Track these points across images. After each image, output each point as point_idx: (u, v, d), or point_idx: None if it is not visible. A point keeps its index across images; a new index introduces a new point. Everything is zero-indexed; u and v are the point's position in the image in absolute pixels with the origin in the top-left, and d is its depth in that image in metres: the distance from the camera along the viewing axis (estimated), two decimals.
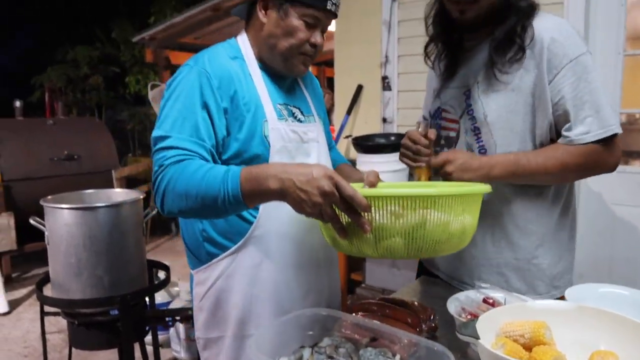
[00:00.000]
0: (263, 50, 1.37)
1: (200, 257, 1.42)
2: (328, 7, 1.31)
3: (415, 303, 1.28)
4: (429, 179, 1.46)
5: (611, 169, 1.39)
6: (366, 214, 1.02)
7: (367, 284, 3.46)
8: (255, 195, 1.08)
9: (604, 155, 1.36)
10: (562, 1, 3.05)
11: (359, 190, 1.01)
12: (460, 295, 1.30)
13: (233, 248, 1.36)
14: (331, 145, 1.69)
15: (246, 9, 1.43)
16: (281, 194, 1.04)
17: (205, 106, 1.26)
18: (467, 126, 1.47)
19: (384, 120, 3.83)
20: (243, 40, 1.41)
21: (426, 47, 1.61)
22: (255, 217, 1.35)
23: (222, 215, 1.21)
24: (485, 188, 1.18)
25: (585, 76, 1.32)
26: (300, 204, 1.02)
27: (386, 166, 3.12)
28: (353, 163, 3.43)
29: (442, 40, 1.54)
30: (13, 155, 4.86)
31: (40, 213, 2.20)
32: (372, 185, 1.21)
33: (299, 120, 1.44)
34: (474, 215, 1.17)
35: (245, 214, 1.35)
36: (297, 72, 1.40)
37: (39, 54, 12.56)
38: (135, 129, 9.90)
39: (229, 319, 1.40)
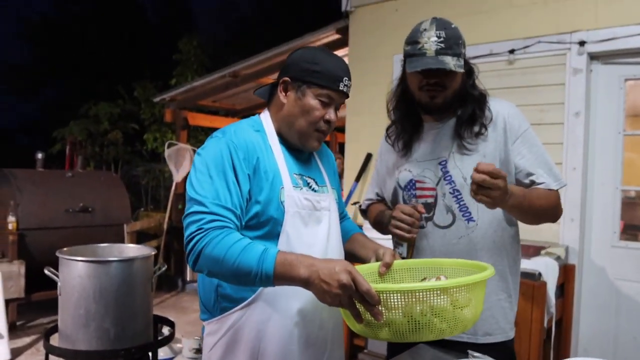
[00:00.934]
0: (282, 126, 1.53)
1: (213, 310, 1.50)
2: (340, 88, 1.47)
3: None
4: (414, 247, 1.71)
5: (558, 218, 1.73)
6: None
7: (369, 349, 3.45)
8: (285, 278, 1.23)
9: (559, 203, 1.71)
10: (563, 82, 3.20)
11: (372, 285, 1.14)
12: None
13: (245, 302, 1.44)
14: (344, 215, 1.81)
15: (268, 90, 1.60)
16: (307, 283, 1.20)
17: (235, 174, 1.40)
18: (444, 190, 1.72)
19: None
20: (265, 117, 1.57)
21: (388, 128, 1.90)
22: None
23: (247, 285, 1.35)
24: (489, 274, 1.24)
25: (535, 141, 1.71)
26: (322, 294, 1.18)
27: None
28: (360, 229, 3.51)
29: (404, 122, 1.80)
30: (30, 204, 4.99)
31: (51, 262, 2.28)
32: (388, 266, 1.47)
33: (313, 190, 1.56)
34: (479, 299, 1.26)
35: None
36: (311, 147, 1.54)
37: (63, 107, 13.05)
38: (150, 184, 10.10)
39: None
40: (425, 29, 1.62)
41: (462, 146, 1.70)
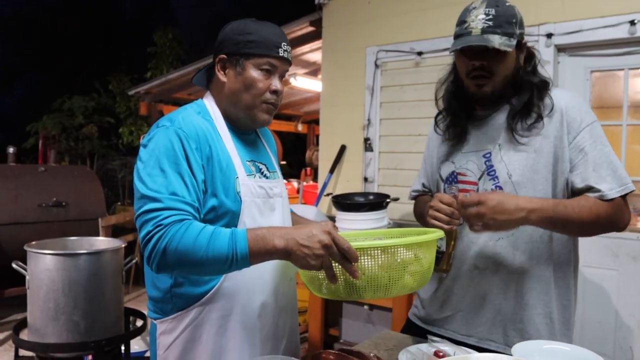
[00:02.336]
0: (227, 107, 1.46)
1: (166, 309, 1.44)
2: (280, 54, 1.41)
3: (372, 354, 1.36)
4: (456, 242, 1.55)
5: (625, 227, 1.51)
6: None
7: (343, 339, 3.49)
8: (261, 254, 1.19)
9: (624, 211, 1.49)
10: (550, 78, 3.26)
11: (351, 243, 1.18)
12: (412, 348, 1.38)
13: (203, 299, 1.40)
14: None
15: (205, 74, 1.53)
16: (286, 252, 1.18)
17: (189, 166, 1.31)
18: (486, 186, 1.57)
19: (365, 179, 3.98)
20: (209, 101, 1.49)
21: (436, 117, 1.76)
22: None
23: (220, 273, 1.31)
24: (438, 235, 1.33)
25: (601, 139, 1.49)
26: (304, 259, 1.16)
27: (364, 224, 3.23)
28: (333, 220, 3.54)
29: (456, 112, 1.66)
30: (2, 199, 4.91)
31: (24, 257, 2.27)
32: None
33: (265, 177, 1.52)
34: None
35: None
36: (262, 121, 1.47)
37: (37, 102, 12.83)
38: (126, 178, 10.00)
39: None
40: (474, 7, 1.50)
41: (512, 139, 1.53)
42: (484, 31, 1.45)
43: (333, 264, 1.18)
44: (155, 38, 10.50)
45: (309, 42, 4.68)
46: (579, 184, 1.49)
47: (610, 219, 1.46)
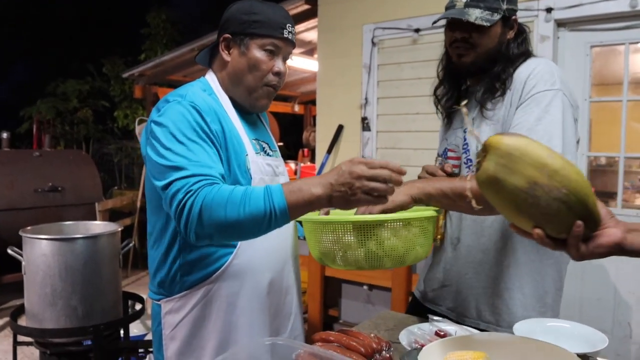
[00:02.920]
0: (229, 86, 1.45)
1: (171, 289, 1.43)
2: (285, 35, 1.40)
3: (372, 335, 1.35)
4: (445, 213, 1.60)
5: None
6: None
7: (343, 320, 3.50)
8: (300, 206, 1.13)
9: None
10: (531, 49, 3.21)
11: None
12: (414, 328, 1.37)
13: (212, 277, 1.39)
14: None
15: (208, 53, 1.51)
16: (327, 198, 1.11)
17: (207, 136, 1.29)
18: (464, 161, 1.59)
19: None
20: (212, 79, 1.47)
21: (435, 89, 1.73)
22: (234, 247, 1.39)
23: (259, 233, 1.19)
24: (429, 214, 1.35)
25: (548, 108, 1.39)
26: (348, 199, 1.10)
27: None
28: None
29: (448, 85, 1.67)
30: None
31: (20, 244, 2.25)
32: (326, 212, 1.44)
33: (269, 155, 1.52)
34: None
35: (224, 245, 1.39)
36: (261, 106, 1.47)
37: (31, 86, 12.71)
38: (122, 162, 9.96)
39: (206, 346, 1.41)
40: None
41: (480, 112, 1.54)
42: (467, 4, 1.46)
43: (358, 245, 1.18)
44: (149, 19, 10.35)
45: (305, 21, 4.61)
46: None
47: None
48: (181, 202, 1.17)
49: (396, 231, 1.28)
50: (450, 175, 1.54)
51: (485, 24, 1.44)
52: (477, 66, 1.53)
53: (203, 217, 1.14)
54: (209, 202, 1.14)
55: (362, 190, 1.08)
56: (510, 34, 1.54)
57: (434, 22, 1.57)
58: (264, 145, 1.52)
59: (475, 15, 1.44)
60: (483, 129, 1.52)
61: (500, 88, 1.49)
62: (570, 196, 0.91)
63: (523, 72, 1.47)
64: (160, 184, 1.24)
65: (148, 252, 1.49)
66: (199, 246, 1.38)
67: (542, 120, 1.39)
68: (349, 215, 1.39)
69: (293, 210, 1.13)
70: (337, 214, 1.44)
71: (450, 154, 1.66)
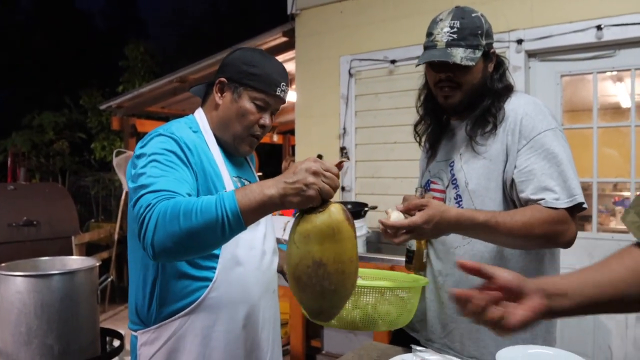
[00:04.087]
0: (217, 127, 1.49)
1: (148, 320, 1.43)
2: (277, 93, 1.46)
3: None
4: (427, 242, 1.61)
5: (568, 243, 1.43)
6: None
7: (326, 351, 3.45)
8: (253, 208, 1.10)
9: (566, 226, 1.40)
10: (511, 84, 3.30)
11: None
12: (397, 359, 1.36)
13: (187, 309, 1.39)
14: None
15: (204, 89, 1.57)
16: (280, 197, 1.09)
17: (183, 162, 1.32)
18: (451, 195, 1.58)
19: (343, 188, 3.97)
20: (200, 117, 1.52)
21: (415, 126, 1.74)
22: (210, 281, 1.40)
23: (217, 242, 1.16)
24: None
25: (552, 149, 1.43)
26: (301, 195, 1.07)
27: None
28: None
29: (430, 120, 1.69)
30: None
31: None
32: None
33: None
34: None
35: (201, 277, 1.39)
36: (243, 152, 1.53)
37: (6, 119, 12.54)
38: (100, 194, 9.82)
39: None
40: (440, 19, 1.52)
41: (471, 147, 1.54)
42: (449, 44, 1.47)
43: None
44: (127, 51, 10.37)
45: (283, 53, 4.67)
46: (526, 193, 1.44)
47: (548, 233, 1.39)
48: (141, 216, 1.16)
49: (392, 297, 1.35)
50: None
51: (470, 63, 1.45)
52: (464, 105, 1.54)
53: (158, 230, 1.12)
54: (163, 214, 1.12)
55: (316, 188, 1.07)
56: (491, 67, 1.56)
57: (417, 65, 1.55)
58: (246, 182, 1.54)
59: (460, 55, 1.45)
60: (473, 164, 1.53)
61: (492, 122, 1.50)
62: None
63: (514, 112, 1.49)
64: (131, 204, 1.24)
65: (130, 277, 1.49)
66: (175, 277, 1.38)
67: (552, 162, 1.42)
68: None
69: (246, 213, 1.10)
70: None
71: (433, 185, 1.67)
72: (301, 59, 4.20)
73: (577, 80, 3.37)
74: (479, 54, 1.47)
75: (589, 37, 3.04)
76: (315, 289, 1.07)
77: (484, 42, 1.49)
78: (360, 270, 1.66)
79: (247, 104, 1.44)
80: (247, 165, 1.65)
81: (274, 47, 4.70)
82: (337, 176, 1.11)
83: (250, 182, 1.58)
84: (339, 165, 1.13)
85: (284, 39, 4.54)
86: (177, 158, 1.32)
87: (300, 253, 1.07)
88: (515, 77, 3.23)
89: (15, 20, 18.08)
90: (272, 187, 1.09)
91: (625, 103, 3.42)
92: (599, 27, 3.00)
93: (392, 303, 1.35)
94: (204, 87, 1.57)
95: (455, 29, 1.47)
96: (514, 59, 3.27)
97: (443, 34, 1.48)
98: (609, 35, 2.99)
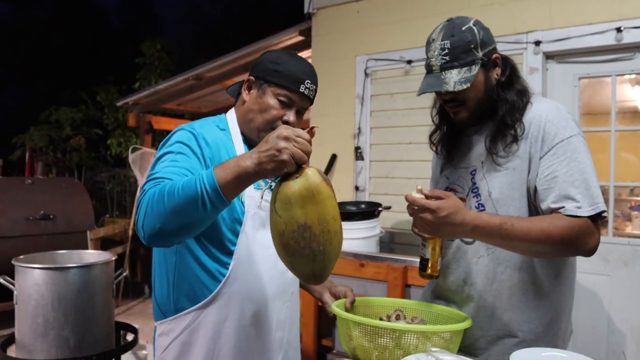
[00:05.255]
0: (243, 123, 1.52)
1: (167, 310, 1.48)
2: (301, 90, 1.46)
3: None
4: (441, 249, 1.54)
5: (590, 251, 1.40)
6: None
7: (337, 350, 3.46)
8: (232, 181, 1.14)
9: (587, 234, 1.38)
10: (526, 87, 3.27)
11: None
12: (411, 358, 1.36)
13: (200, 303, 1.43)
14: None
15: (238, 89, 1.60)
16: (254, 167, 1.12)
17: (195, 155, 1.38)
18: (471, 203, 1.55)
19: (357, 188, 3.97)
20: (231, 116, 1.57)
21: (431, 135, 1.73)
22: (224, 276, 1.43)
23: (201, 219, 1.19)
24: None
25: (576, 156, 1.41)
26: (274, 161, 1.10)
27: (356, 233, 3.22)
28: None
29: (445, 127, 1.67)
30: None
31: (11, 272, 2.23)
32: (352, 302, 1.57)
33: (271, 187, 1.54)
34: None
35: (214, 271, 1.43)
36: None
37: (24, 114, 12.71)
38: (115, 190, 9.92)
39: None
40: (433, 39, 1.51)
41: (492, 158, 1.52)
42: (442, 68, 1.46)
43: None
44: (144, 49, 10.43)
45: (299, 52, 4.68)
46: (547, 202, 1.42)
47: (568, 240, 1.37)
48: (138, 201, 1.25)
49: (438, 340, 1.33)
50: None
51: (464, 86, 1.43)
52: (475, 117, 1.54)
53: (147, 213, 1.19)
54: (151, 198, 1.19)
55: (288, 152, 1.09)
56: (497, 72, 1.53)
57: (418, 95, 1.53)
58: (271, 182, 1.54)
59: (453, 80, 1.44)
60: (495, 177, 1.51)
61: (510, 135, 1.48)
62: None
63: (537, 119, 1.46)
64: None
65: (153, 266, 1.56)
66: (193, 270, 1.43)
67: (574, 169, 1.40)
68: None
69: (224, 187, 1.13)
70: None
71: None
72: (317, 59, 4.21)
73: (595, 83, 3.34)
74: (475, 69, 1.45)
75: (609, 39, 3.01)
76: (305, 252, 1.11)
77: (480, 54, 1.46)
78: (401, 301, 1.72)
79: (271, 100, 1.45)
80: None
81: (290, 46, 4.72)
82: (309, 142, 1.13)
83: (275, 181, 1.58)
84: (311, 132, 1.15)
85: (300, 38, 4.56)
86: (189, 150, 1.38)
87: (284, 220, 1.10)
88: (533, 79, 3.24)
89: (33, 16, 18.31)
90: (247, 159, 1.13)
91: None
92: (618, 30, 2.96)
93: (436, 344, 1.34)
94: (237, 87, 1.60)
95: (446, 50, 1.45)
96: (532, 61, 3.24)
97: (436, 57, 1.47)
98: (628, 37, 2.95)
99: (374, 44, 3.91)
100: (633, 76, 3.26)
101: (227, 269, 1.43)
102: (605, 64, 3.13)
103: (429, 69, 1.52)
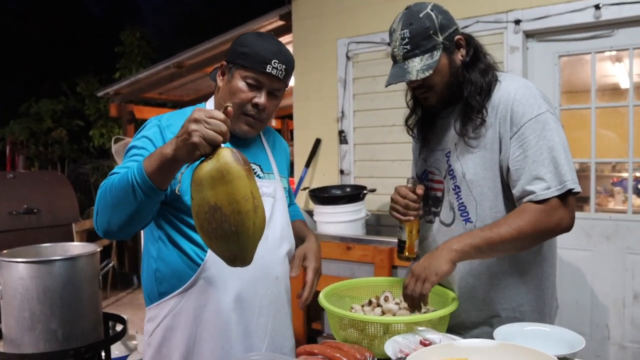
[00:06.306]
0: (218, 109, 1.49)
1: (153, 295, 1.51)
2: (268, 71, 1.43)
3: (355, 346, 1.36)
4: (418, 232, 1.61)
5: (566, 229, 1.44)
6: None
7: (327, 333, 3.49)
8: (155, 169, 1.17)
9: (559, 215, 1.40)
10: (502, 61, 3.29)
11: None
12: (398, 337, 1.38)
13: (181, 288, 1.45)
14: (291, 201, 1.81)
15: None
16: (172, 153, 1.13)
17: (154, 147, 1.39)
18: (449, 185, 1.57)
19: (342, 172, 3.97)
20: (210, 104, 1.57)
21: (407, 119, 1.74)
22: (202, 260, 1.44)
23: (140, 208, 1.24)
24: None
25: (545, 134, 1.41)
26: (187, 145, 1.09)
27: (342, 217, 3.23)
28: (311, 214, 3.53)
29: (420, 111, 1.68)
30: None
31: None
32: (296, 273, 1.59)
33: (258, 176, 1.54)
34: None
35: (194, 256, 1.44)
36: (241, 132, 1.51)
37: (3, 107, 12.48)
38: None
39: (173, 356, 1.47)
40: (394, 30, 1.51)
41: (464, 141, 1.53)
42: (405, 57, 1.48)
43: None
44: (123, 37, 10.27)
45: (280, 37, 4.63)
46: (519, 183, 1.44)
47: (541, 229, 1.40)
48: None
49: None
50: (424, 198, 1.60)
51: (427, 73, 1.45)
52: (445, 100, 1.55)
53: (98, 211, 1.29)
54: (100, 196, 1.28)
55: (198, 134, 1.08)
56: (462, 53, 1.54)
57: (387, 86, 1.55)
58: (254, 167, 1.54)
59: (415, 69, 1.45)
60: (468, 159, 1.52)
61: (477, 118, 1.48)
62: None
63: (505, 98, 1.46)
64: None
65: (142, 258, 1.59)
66: (173, 256, 1.46)
67: (543, 148, 1.41)
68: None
69: (152, 175, 1.17)
70: None
71: (431, 176, 1.66)
72: (298, 43, 4.18)
73: (575, 61, 3.36)
74: (437, 55, 1.46)
75: (587, 16, 3.03)
76: (218, 233, 1.11)
77: (440, 38, 1.47)
78: (390, 279, 1.76)
79: (239, 83, 1.44)
80: (261, 149, 1.64)
81: (270, 30, 4.67)
82: (223, 121, 1.10)
83: (260, 167, 1.57)
84: (227, 111, 1.14)
85: (280, 23, 4.52)
86: (152, 144, 1.39)
87: (197, 201, 1.11)
88: (513, 58, 3.25)
89: (7, 7, 17.95)
90: (167, 146, 1.15)
91: (624, 83, 3.41)
92: (597, 7, 2.98)
93: (424, 326, 1.39)
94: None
95: (406, 39, 1.46)
96: (512, 40, 3.25)
97: (398, 47, 1.49)
98: (607, 14, 2.97)
99: (355, 26, 3.89)
100: (612, 53, 3.29)
101: (206, 252, 1.44)
102: (584, 41, 3.15)
103: (394, 59, 1.53)
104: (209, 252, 1.43)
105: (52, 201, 5.28)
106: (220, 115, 1.11)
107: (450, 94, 1.53)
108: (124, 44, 10.38)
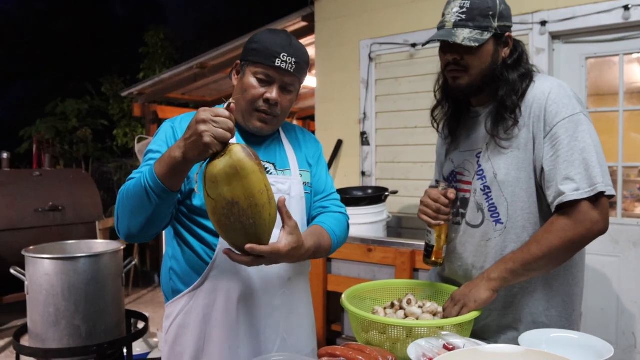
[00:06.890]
0: (236, 109, 1.48)
1: (168, 293, 1.54)
2: (277, 65, 1.40)
3: (378, 349, 1.35)
4: (447, 237, 1.59)
5: (599, 233, 1.39)
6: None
7: (346, 334, 3.48)
8: (166, 172, 1.20)
9: (589, 220, 1.36)
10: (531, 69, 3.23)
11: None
12: (422, 341, 1.37)
13: (191, 286, 1.47)
14: (328, 196, 1.69)
15: None
16: (182, 156, 1.16)
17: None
18: (476, 186, 1.53)
19: (363, 173, 3.96)
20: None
21: (433, 110, 1.69)
22: (211, 258, 1.45)
23: (156, 211, 1.26)
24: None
25: (577, 135, 1.38)
26: (198, 147, 1.12)
27: (363, 218, 3.22)
28: None
29: (448, 105, 1.64)
30: None
31: (22, 263, 2.25)
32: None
33: (269, 173, 1.51)
34: None
35: (203, 255, 1.45)
36: (255, 128, 1.48)
37: (30, 106, 12.75)
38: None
39: (185, 354, 1.48)
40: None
41: (495, 142, 1.49)
42: (456, 25, 1.43)
43: None
44: (147, 38, 10.40)
45: (302, 38, 4.65)
46: (550, 186, 1.41)
47: (567, 240, 1.38)
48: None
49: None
50: (454, 202, 1.57)
51: (473, 44, 1.40)
52: (474, 88, 1.50)
53: (118, 215, 1.32)
54: (119, 202, 1.32)
55: (209, 134, 1.11)
56: (505, 52, 1.50)
57: (424, 44, 1.54)
58: (267, 165, 1.52)
59: (463, 36, 1.40)
60: (500, 159, 1.49)
61: (510, 118, 1.45)
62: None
63: (538, 98, 1.44)
64: None
65: (164, 258, 1.61)
66: (187, 255, 1.48)
67: (575, 149, 1.38)
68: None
69: (163, 178, 1.21)
70: None
71: (459, 177, 1.63)
72: (321, 44, 4.18)
73: (602, 63, 3.30)
74: (487, 35, 1.42)
75: (616, 17, 2.97)
76: (236, 226, 1.15)
77: (495, 24, 1.43)
78: (411, 282, 1.73)
79: (250, 79, 1.44)
80: (279, 147, 1.59)
81: (292, 32, 4.68)
82: (230, 119, 1.14)
83: (274, 164, 1.54)
84: (229, 108, 1.16)
85: (303, 24, 4.52)
86: (166, 146, 1.42)
87: (214, 198, 1.14)
88: (539, 60, 3.20)
89: (34, 8, 18.32)
90: (176, 149, 1.17)
91: None
92: (626, 8, 2.92)
93: (448, 331, 1.37)
94: None
95: (464, 9, 1.42)
96: (538, 41, 3.21)
97: (452, 14, 1.44)
98: (636, 15, 2.91)
99: (378, 28, 3.88)
100: None
101: (214, 250, 1.45)
102: (612, 43, 3.09)
103: (441, 26, 1.48)
104: (218, 251, 1.43)
105: (77, 199, 5.37)
106: (225, 112, 1.14)
107: (481, 85, 1.49)
108: (147, 44, 10.51)
